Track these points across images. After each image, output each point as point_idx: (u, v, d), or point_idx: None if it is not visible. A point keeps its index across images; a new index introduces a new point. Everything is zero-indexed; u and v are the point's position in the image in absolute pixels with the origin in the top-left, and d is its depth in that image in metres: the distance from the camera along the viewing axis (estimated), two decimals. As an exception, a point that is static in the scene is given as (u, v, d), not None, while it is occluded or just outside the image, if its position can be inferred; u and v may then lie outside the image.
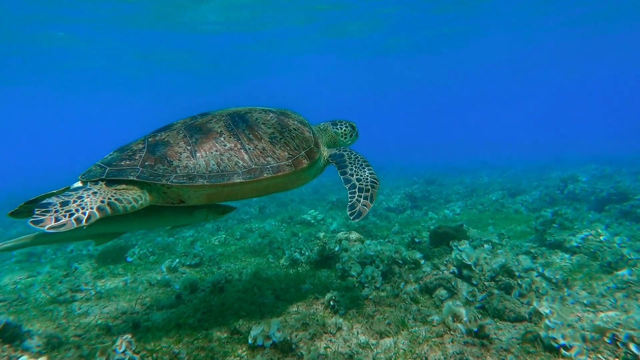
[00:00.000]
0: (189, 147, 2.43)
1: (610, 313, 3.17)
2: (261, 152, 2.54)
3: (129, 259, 5.59)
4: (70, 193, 2.08)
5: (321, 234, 6.09)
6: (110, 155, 2.46)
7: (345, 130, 3.32)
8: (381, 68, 33.00)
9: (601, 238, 4.86)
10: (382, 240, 5.86)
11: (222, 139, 2.52)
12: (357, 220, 2.48)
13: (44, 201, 1.97)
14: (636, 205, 6.97)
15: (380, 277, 3.90)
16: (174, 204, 2.51)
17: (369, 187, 2.66)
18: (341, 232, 5.46)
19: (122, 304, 3.53)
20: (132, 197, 2.18)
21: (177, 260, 5.42)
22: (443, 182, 15.87)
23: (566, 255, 4.69)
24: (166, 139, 2.48)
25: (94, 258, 5.59)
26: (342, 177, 2.77)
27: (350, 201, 2.61)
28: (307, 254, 5.11)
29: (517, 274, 3.49)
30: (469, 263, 3.64)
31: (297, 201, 12.74)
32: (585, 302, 3.34)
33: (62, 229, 1.80)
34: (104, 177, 2.24)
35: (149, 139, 2.51)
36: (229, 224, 8.85)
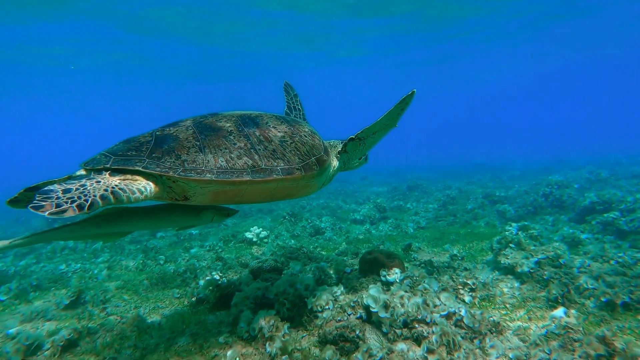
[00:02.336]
0: (198, 143, 2.48)
1: (538, 373, 2.67)
2: (271, 153, 2.62)
3: (2, 298, 4.96)
4: (72, 181, 2.11)
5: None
6: (115, 145, 2.48)
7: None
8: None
9: (561, 261, 4.38)
10: (316, 265, 5.32)
11: (232, 137, 2.60)
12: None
13: (46, 188, 2.00)
14: (618, 217, 6.53)
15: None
16: (178, 200, 2.54)
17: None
18: (255, 261, 4.91)
19: None
20: (137, 187, 2.19)
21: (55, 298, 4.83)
22: (427, 188, 15.43)
23: (516, 284, 4.19)
24: (175, 134, 2.54)
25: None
26: (365, 135, 3.06)
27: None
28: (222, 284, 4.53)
29: (429, 319, 2.98)
30: (374, 310, 3.11)
31: (265, 211, 12.17)
32: (511, 355, 2.83)
33: (63, 216, 1.83)
34: (108, 165, 2.26)
35: (157, 133, 2.56)
36: (166, 242, 8.28)
